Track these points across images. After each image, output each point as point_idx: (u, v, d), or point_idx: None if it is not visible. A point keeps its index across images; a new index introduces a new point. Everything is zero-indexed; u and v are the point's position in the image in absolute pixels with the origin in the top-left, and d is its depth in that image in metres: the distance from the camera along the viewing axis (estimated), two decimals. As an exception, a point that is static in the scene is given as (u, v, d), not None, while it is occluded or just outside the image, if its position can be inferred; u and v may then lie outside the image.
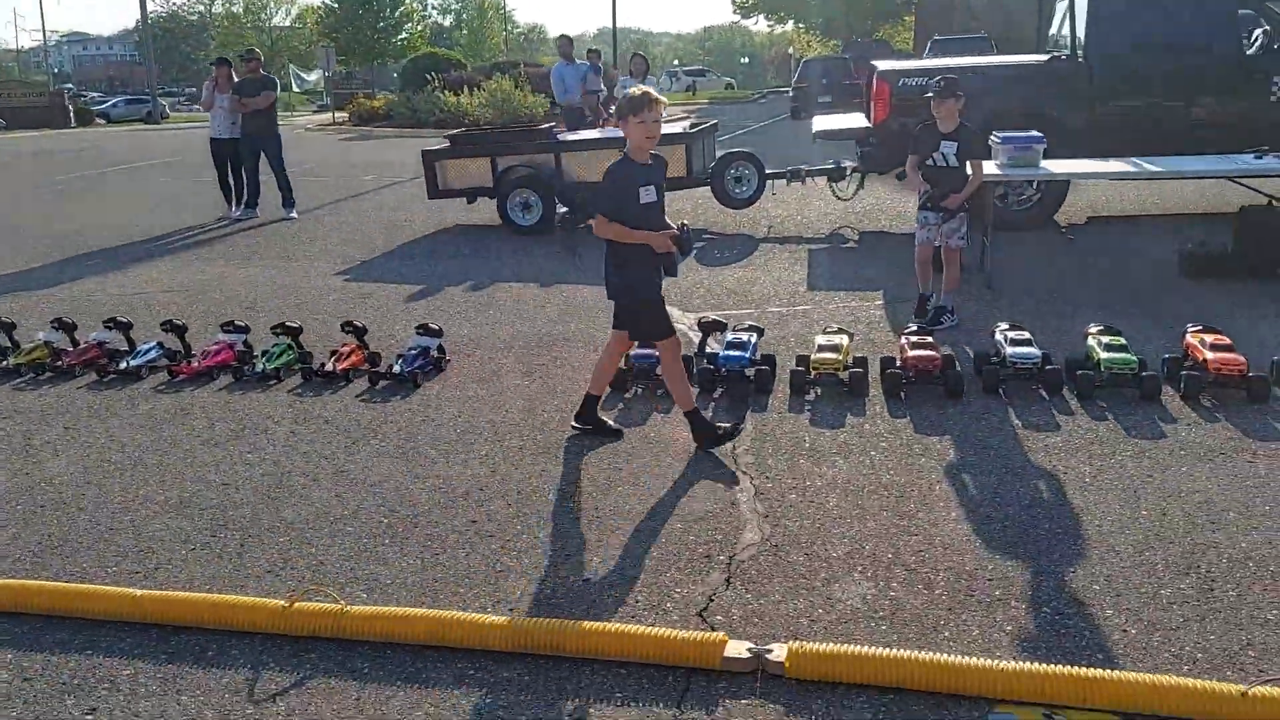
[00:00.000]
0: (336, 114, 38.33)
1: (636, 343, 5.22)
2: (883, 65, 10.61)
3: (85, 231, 12.20)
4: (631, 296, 4.76)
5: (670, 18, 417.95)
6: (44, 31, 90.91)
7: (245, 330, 6.54)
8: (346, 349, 6.21)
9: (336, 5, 64.77)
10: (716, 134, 12.39)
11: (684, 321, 6.76)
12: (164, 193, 16.48)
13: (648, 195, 4.58)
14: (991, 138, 7.59)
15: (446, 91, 28.23)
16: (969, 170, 6.49)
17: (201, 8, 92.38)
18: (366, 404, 5.63)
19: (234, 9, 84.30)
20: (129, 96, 58.77)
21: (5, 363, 6.46)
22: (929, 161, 6.58)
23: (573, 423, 5.04)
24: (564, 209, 10.86)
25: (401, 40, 61.60)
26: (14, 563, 3.91)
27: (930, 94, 6.57)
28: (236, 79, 12.71)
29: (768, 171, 11.03)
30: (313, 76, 60.60)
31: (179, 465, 4.83)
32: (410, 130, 28.30)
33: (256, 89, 12.39)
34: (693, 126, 11.44)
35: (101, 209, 14.61)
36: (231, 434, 5.23)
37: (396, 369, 5.93)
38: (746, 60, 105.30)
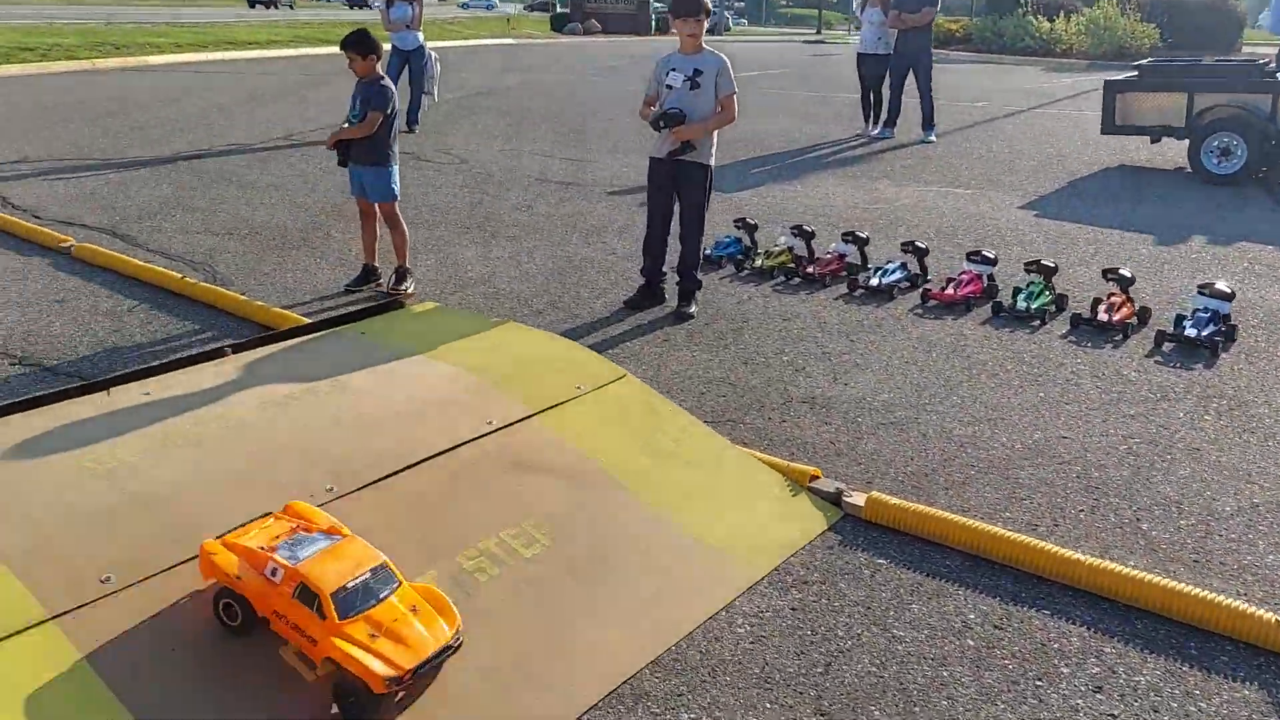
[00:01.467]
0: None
1: None
2: None
3: (757, 137, 12.75)
4: None
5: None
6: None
7: (993, 262, 6.21)
8: (1115, 299, 5.67)
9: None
10: None
11: None
12: (798, 106, 16.86)
13: None
14: None
15: (1039, 16, 26.43)
16: None
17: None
18: (1162, 366, 5.07)
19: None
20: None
21: (755, 264, 6.69)
22: None
23: None
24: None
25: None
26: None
27: None
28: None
29: None
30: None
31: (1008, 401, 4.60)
32: (992, 56, 26.87)
33: (917, 4, 12.00)
34: None
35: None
36: (1035, 378, 4.91)
37: (1190, 332, 5.28)
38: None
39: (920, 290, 6.14)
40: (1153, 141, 10.64)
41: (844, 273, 6.50)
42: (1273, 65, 10.03)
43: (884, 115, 12.73)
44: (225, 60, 23.69)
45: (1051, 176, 10.10)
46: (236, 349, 4.12)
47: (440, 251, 7.08)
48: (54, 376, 4.80)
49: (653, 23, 50.14)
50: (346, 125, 5.95)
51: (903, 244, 6.60)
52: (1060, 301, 5.88)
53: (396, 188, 6.12)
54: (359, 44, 5.90)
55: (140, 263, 6.49)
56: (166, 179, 9.50)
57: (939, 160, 11.06)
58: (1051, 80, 20.98)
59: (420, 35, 12.42)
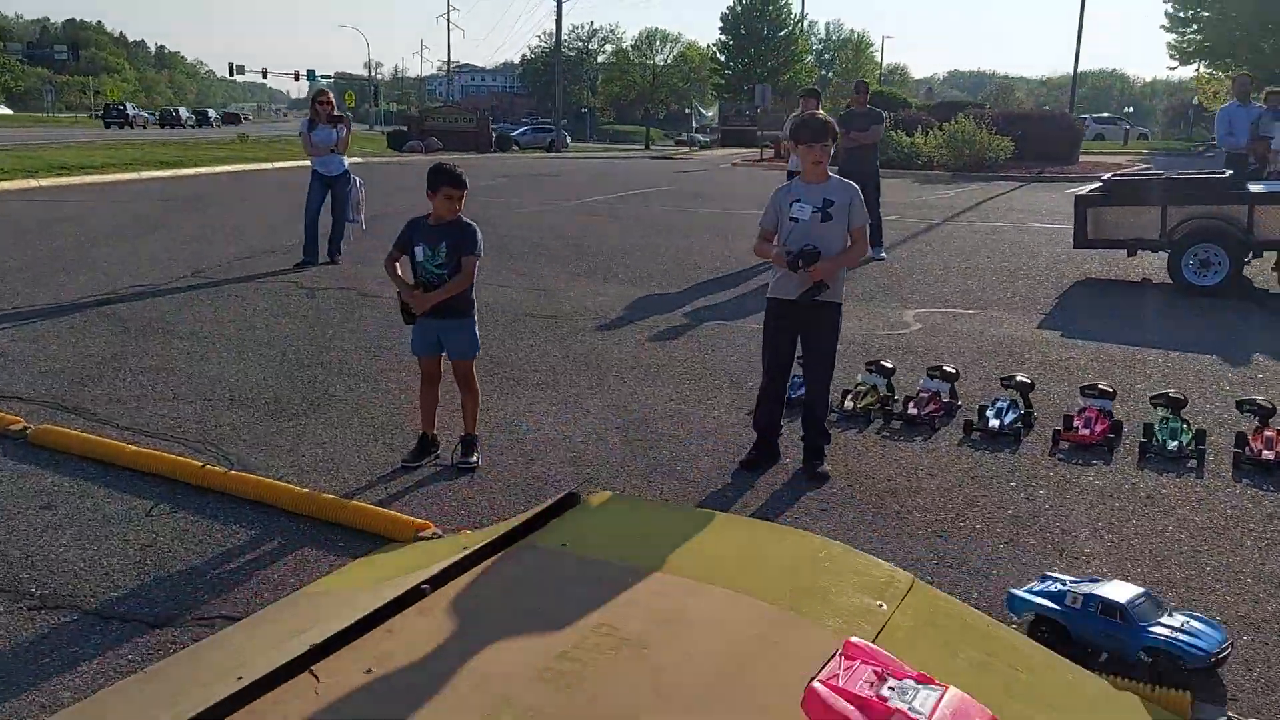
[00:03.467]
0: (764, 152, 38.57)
1: None
2: None
3: (709, 260, 12.23)
4: None
5: (1019, 62, 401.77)
6: (449, 62, 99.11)
7: (1112, 396, 5.74)
8: (1270, 433, 5.28)
9: (730, 41, 66.57)
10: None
11: None
12: (717, 224, 16.55)
13: None
14: None
15: (899, 131, 27.46)
16: None
17: (580, 43, 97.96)
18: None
19: (624, 46, 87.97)
20: (535, 125, 62.78)
21: (842, 405, 6.03)
22: None
23: None
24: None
25: (788, 78, 62.21)
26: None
27: None
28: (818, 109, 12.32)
29: None
30: (710, 112, 62.33)
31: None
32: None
33: (866, 122, 11.92)
34: None
35: (690, 234, 14.78)
36: None
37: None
38: (1130, 110, 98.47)
39: (1052, 431, 5.61)
40: (1129, 254, 10.70)
41: (942, 412, 5.92)
42: (1235, 175, 10.31)
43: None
44: (66, 186, 21.80)
45: (1036, 293, 9.94)
46: (434, 583, 3.12)
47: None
48: (109, 623, 3.63)
49: (492, 140, 50.19)
50: (419, 279, 5.06)
51: (1002, 379, 6.10)
52: (1200, 436, 5.45)
53: (478, 340, 5.24)
54: (462, 181, 5.05)
55: (136, 448, 5.28)
56: (87, 332, 8.16)
57: (910, 278, 10.79)
58: (931, 192, 21.59)
59: (345, 160, 11.48)
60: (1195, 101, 67.57)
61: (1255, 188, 9.66)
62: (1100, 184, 10.74)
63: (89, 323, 8.51)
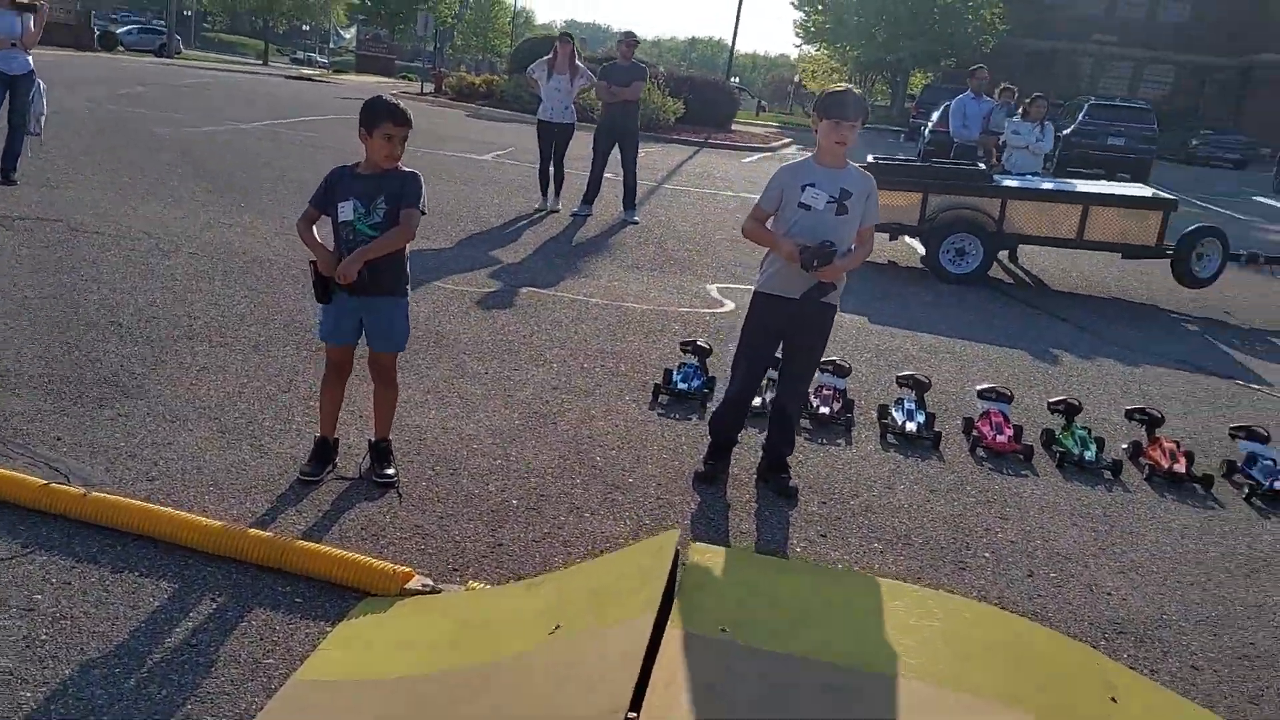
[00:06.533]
0: (425, 85, 36.70)
1: None
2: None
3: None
4: None
5: (647, 22, 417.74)
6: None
7: (1008, 399, 5.82)
8: (1169, 445, 5.52)
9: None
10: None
11: None
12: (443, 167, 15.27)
13: None
14: None
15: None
16: None
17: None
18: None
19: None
20: (141, 25, 55.84)
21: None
22: None
23: None
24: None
25: (426, 8, 59.86)
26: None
27: None
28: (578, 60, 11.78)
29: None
30: (349, 34, 58.44)
31: None
32: (528, 115, 26.85)
33: (629, 77, 11.45)
34: None
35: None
36: None
37: None
38: (737, 80, 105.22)
39: (971, 437, 5.56)
40: (891, 239, 11.13)
41: (847, 411, 5.68)
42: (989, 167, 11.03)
43: (563, 190, 11.98)
44: None
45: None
46: (635, 707, 2.38)
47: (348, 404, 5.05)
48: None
49: (95, 37, 44.08)
50: (345, 244, 3.99)
51: (899, 378, 6.02)
52: (1101, 444, 5.55)
53: (409, 326, 4.25)
54: (407, 117, 3.99)
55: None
56: None
57: (682, 247, 10.55)
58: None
59: (30, 58, 9.28)
60: (797, 79, 73.76)
61: (1009, 182, 10.35)
62: (865, 166, 11.07)
63: None
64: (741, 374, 4.64)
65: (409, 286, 4.20)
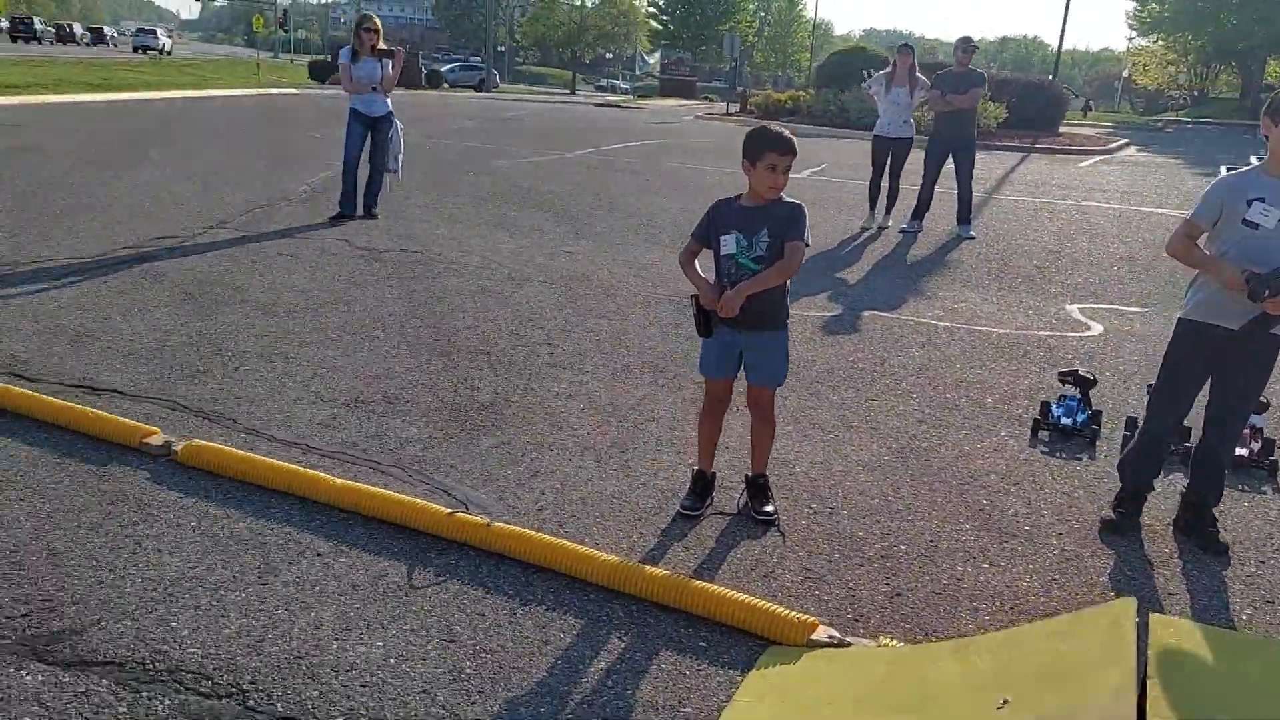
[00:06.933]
0: (730, 106, 37.33)
1: None
2: None
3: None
4: None
5: (952, 25, 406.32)
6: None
7: None
8: None
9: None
10: None
11: None
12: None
13: None
14: None
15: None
16: None
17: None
18: None
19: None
20: (461, 62, 60.20)
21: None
22: None
23: None
24: None
25: (728, 28, 60.81)
26: None
27: None
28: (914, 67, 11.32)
29: None
30: (653, 60, 60.59)
31: None
32: (836, 130, 26.55)
33: (966, 85, 10.93)
34: None
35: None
36: None
37: None
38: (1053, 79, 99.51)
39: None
40: None
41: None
42: None
43: (895, 207, 11.57)
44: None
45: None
46: None
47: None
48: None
49: (422, 75, 47.80)
50: (726, 279, 3.90)
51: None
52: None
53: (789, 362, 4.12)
54: (791, 145, 3.90)
55: (342, 481, 4.05)
56: (140, 298, 6.77)
57: (1037, 262, 9.89)
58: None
59: (389, 101, 10.04)
60: (1125, 74, 68.32)
61: None
62: None
63: (136, 286, 7.10)
64: (1162, 411, 4.14)
65: (789, 320, 4.06)
